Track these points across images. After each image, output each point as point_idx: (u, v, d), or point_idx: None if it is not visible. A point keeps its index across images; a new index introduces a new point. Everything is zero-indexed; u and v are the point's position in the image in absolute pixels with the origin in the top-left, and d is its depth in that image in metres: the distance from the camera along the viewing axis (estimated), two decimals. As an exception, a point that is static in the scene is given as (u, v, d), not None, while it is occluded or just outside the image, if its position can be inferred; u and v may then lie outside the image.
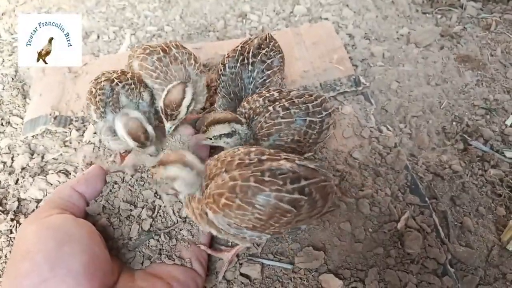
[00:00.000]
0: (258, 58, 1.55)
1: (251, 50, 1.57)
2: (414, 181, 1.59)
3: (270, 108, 1.38)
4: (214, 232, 1.13)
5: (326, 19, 2.47)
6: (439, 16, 2.54)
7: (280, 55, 1.64)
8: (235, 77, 1.54)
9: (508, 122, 1.88)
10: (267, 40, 1.64)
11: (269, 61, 1.56)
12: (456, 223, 1.51)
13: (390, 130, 1.81)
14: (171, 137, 1.47)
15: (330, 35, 2.26)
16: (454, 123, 1.89)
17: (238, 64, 1.54)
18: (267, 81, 1.55)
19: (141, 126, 1.36)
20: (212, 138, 1.34)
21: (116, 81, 1.44)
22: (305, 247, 1.35)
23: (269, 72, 1.55)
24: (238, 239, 1.16)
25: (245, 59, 1.55)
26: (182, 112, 1.40)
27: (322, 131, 1.44)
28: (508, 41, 2.33)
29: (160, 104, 1.40)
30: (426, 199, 1.53)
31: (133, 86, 1.46)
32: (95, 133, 1.72)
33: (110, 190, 1.29)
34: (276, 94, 1.42)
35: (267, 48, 1.59)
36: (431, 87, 2.05)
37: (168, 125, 1.41)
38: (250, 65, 1.54)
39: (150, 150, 1.40)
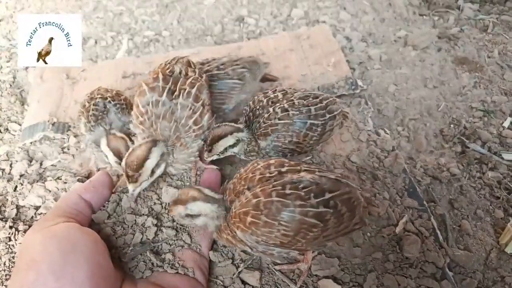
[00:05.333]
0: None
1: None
2: (412, 184, 1.59)
3: (270, 109, 1.40)
4: (249, 250, 1.14)
5: (324, 22, 2.48)
6: (436, 18, 2.55)
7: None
8: None
9: (505, 124, 1.89)
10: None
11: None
12: (454, 226, 1.51)
13: (387, 133, 1.82)
14: (133, 202, 1.29)
15: (327, 38, 2.26)
16: (451, 125, 1.90)
17: None
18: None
19: (124, 144, 1.36)
20: (220, 154, 1.38)
21: (109, 99, 1.49)
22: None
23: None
24: (267, 255, 1.17)
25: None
26: (144, 174, 1.21)
27: (325, 133, 1.45)
28: (506, 42, 2.34)
29: (122, 163, 1.23)
30: (424, 202, 1.53)
31: (124, 106, 1.50)
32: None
33: (115, 200, 1.30)
34: (280, 96, 1.44)
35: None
36: (428, 90, 2.05)
37: (130, 188, 1.23)
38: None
39: None
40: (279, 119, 1.38)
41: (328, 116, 1.42)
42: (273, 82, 1.98)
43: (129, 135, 1.43)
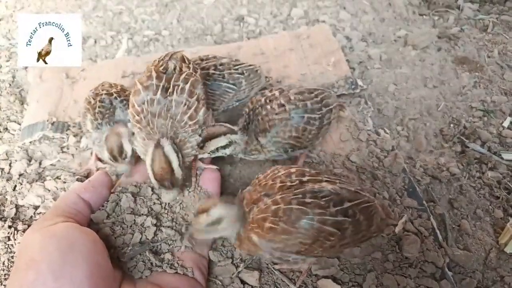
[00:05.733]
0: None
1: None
2: (412, 184, 1.59)
3: (268, 106, 1.44)
4: (267, 256, 1.14)
5: (323, 21, 2.47)
6: (436, 17, 2.54)
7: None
8: None
9: (505, 124, 1.89)
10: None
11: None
12: (454, 226, 1.51)
13: (387, 133, 1.81)
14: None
15: (327, 38, 2.26)
16: (451, 125, 1.90)
17: None
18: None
19: (119, 141, 1.36)
20: (210, 153, 1.38)
21: (115, 95, 1.48)
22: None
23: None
24: (283, 262, 1.18)
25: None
26: (179, 174, 1.26)
27: (323, 127, 1.48)
28: (505, 42, 2.34)
29: (152, 180, 1.25)
30: (424, 202, 1.53)
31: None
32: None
33: (115, 200, 1.29)
34: (277, 93, 1.47)
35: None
36: (428, 90, 2.05)
37: (175, 191, 1.30)
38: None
39: (122, 167, 1.38)
40: (276, 114, 1.41)
41: (324, 109, 1.46)
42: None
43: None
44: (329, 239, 1.05)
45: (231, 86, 1.61)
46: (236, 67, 1.65)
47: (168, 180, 1.23)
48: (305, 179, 1.11)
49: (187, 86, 1.30)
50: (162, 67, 1.35)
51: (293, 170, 1.15)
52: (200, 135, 1.37)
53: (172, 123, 1.28)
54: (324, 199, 1.05)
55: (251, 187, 1.17)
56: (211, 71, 1.59)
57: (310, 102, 1.44)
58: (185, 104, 1.28)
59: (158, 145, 1.24)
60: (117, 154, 1.35)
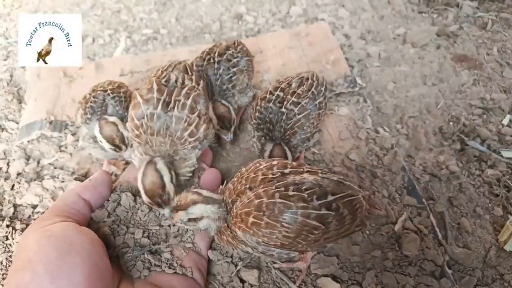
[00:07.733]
0: (224, 57, 1.64)
1: (218, 51, 1.66)
2: (411, 182, 1.59)
3: (283, 109, 1.45)
4: (250, 250, 1.14)
5: (322, 19, 2.47)
6: (435, 15, 2.54)
7: (247, 57, 1.73)
8: (201, 74, 1.61)
9: (505, 122, 1.88)
10: (235, 44, 1.74)
11: (235, 60, 1.65)
12: (453, 224, 1.51)
13: (386, 131, 1.81)
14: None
15: (326, 36, 2.26)
16: (451, 123, 1.89)
17: (205, 63, 1.63)
18: (233, 78, 1.63)
19: (116, 130, 1.37)
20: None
21: (109, 91, 1.49)
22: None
23: (234, 69, 1.63)
24: (267, 256, 1.17)
25: (211, 58, 1.64)
26: (171, 191, 1.22)
27: (326, 104, 1.58)
28: (505, 40, 2.33)
29: (144, 199, 1.22)
30: (423, 200, 1.53)
31: (122, 99, 1.50)
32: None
33: (115, 199, 1.29)
34: (281, 94, 1.49)
35: (233, 50, 1.69)
36: (427, 87, 2.05)
37: (166, 211, 1.23)
38: (216, 63, 1.62)
39: (126, 154, 1.38)
40: (298, 114, 1.44)
41: (323, 89, 1.54)
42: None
43: (123, 119, 1.44)
44: (313, 232, 1.04)
45: (248, 58, 1.74)
46: (236, 44, 1.75)
47: (159, 196, 1.20)
48: (287, 171, 1.10)
49: (189, 102, 1.26)
50: (164, 79, 1.32)
51: (274, 162, 1.14)
52: (200, 150, 1.36)
53: (172, 140, 1.25)
54: (307, 191, 1.03)
55: (235, 179, 1.16)
56: (231, 51, 1.68)
57: (314, 89, 1.49)
58: (185, 121, 1.25)
59: (150, 162, 1.23)
60: (120, 143, 1.37)
